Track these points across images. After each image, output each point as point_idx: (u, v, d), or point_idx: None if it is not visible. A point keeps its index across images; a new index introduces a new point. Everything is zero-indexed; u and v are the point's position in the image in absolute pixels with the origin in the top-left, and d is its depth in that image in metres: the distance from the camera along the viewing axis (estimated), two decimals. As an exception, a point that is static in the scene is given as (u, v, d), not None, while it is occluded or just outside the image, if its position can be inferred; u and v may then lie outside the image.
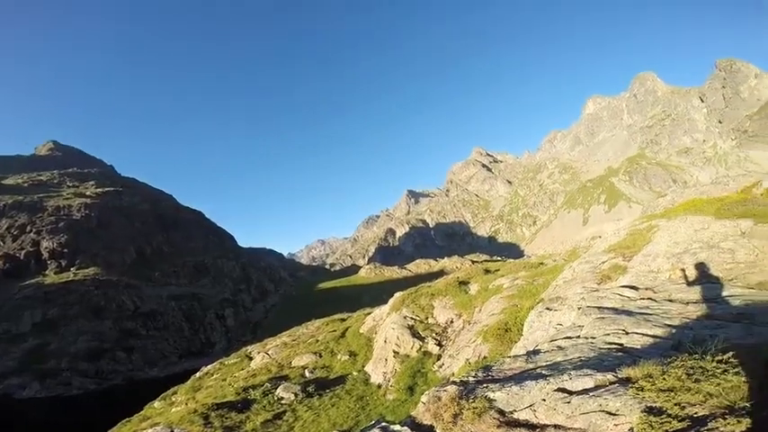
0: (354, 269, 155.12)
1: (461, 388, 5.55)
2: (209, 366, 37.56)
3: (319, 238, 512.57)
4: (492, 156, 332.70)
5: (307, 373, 26.61)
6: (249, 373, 29.88)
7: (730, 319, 7.33)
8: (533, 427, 4.50)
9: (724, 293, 9.07)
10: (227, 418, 19.70)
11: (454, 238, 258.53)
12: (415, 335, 24.81)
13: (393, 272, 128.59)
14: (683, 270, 11.45)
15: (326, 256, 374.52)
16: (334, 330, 35.62)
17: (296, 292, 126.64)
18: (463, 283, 30.57)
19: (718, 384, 4.06)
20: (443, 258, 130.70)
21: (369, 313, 35.84)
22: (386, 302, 33.76)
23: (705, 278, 10.47)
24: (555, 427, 4.39)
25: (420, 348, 23.63)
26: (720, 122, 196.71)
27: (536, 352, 7.28)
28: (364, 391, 22.52)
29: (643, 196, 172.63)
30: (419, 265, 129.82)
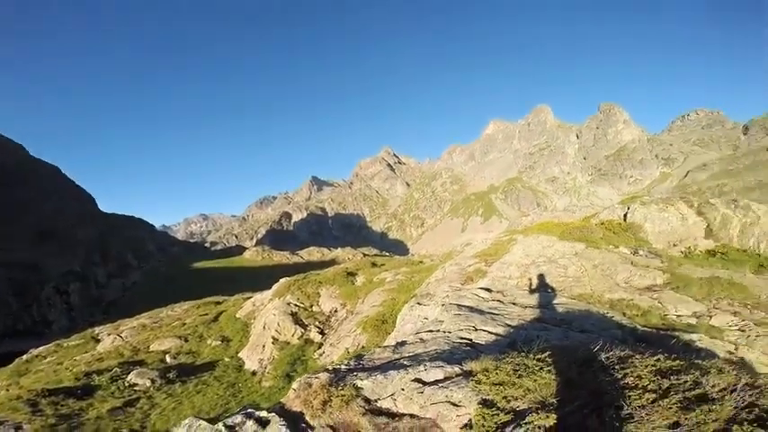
0: (239, 250, 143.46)
1: (332, 375, 5.55)
2: (40, 348, 31.49)
3: (202, 213, 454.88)
4: (398, 157, 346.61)
5: (168, 359, 24.02)
6: (94, 356, 25.81)
7: (554, 324, 8.74)
8: (393, 415, 4.65)
9: (554, 301, 10.79)
10: (62, 406, 16.54)
11: (350, 230, 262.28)
12: (298, 322, 24.28)
13: (283, 257, 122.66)
14: (529, 278, 13.36)
15: (207, 233, 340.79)
16: (206, 314, 32.90)
17: (165, 270, 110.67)
18: (351, 274, 31.02)
19: (535, 381, 4.50)
20: (337, 248, 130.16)
21: (249, 298, 34.00)
22: (270, 288, 32.37)
23: (543, 287, 12.34)
24: (410, 416, 4.59)
25: (302, 336, 23.18)
26: (585, 159, 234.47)
27: (403, 343, 7.62)
28: (237, 377, 21.12)
29: (512, 213, 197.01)
30: (312, 253, 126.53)
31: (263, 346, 23.16)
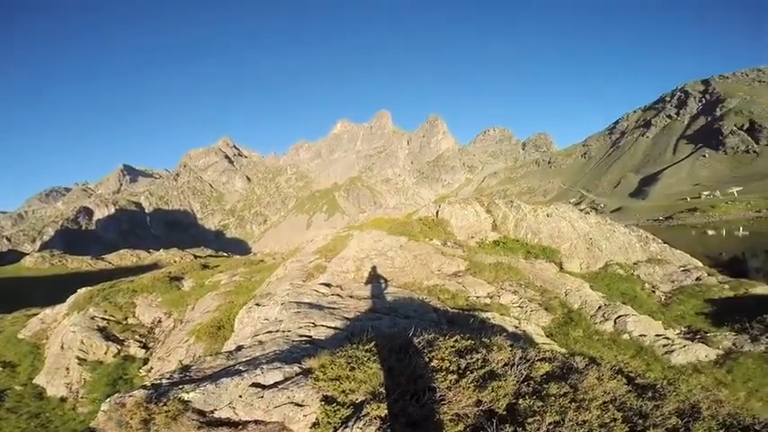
0: (15, 256, 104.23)
1: (152, 392, 4.75)
2: None
3: None
4: (238, 149, 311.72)
5: None
6: None
7: (384, 312, 9.45)
8: (235, 424, 4.28)
9: (385, 291, 11.70)
10: None
11: (176, 228, 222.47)
12: (110, 338, 20.37)
13: (83, 262, 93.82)
14: (364, 272, 14.13)
15: None
16: None
17: None
18: (176, 279, 27.07)
19: (365, 371, 4.61)
20: (159, 250, 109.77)
21: (34, 314, 26.41)
22: (65, 301, 25.83)
23: (376, 278, 13.21)
24: (255, 422, 4.29)
25: (119, 353, 19.58)
26: (412, 163, 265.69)
27: (239, 348, 7.07)
28: (41, 407, 16.84)
29: (353, 210, 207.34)
30: (124, 257, 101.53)
31: (68, 369, 18.48)
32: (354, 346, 5.36)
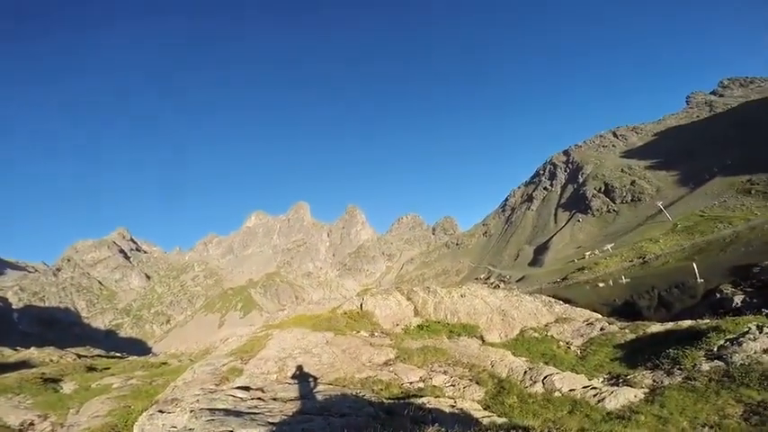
0: None
1: None
2: None
3: None
4: (137, 243, 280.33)
5: None
6: None
7: (315, 413, 8.41)
8: None
9: (314, 390, 10.57)
10: None
11: (54, 327, 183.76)
12: None
13: None
14: (287, 371, 12.80)
15: None
16: None
17: None
18: (52, 381, 22.91)
19: None
20: (30, 348, 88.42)
21: None
22: None
23: (302, 378, 11.99)
24: None
25: None
26: (334, 255, 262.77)
27: None
28: None
29: (272, 307, 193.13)
30: None
31: None
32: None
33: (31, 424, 17.66)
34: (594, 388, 11.62)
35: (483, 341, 19.27)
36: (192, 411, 8.48)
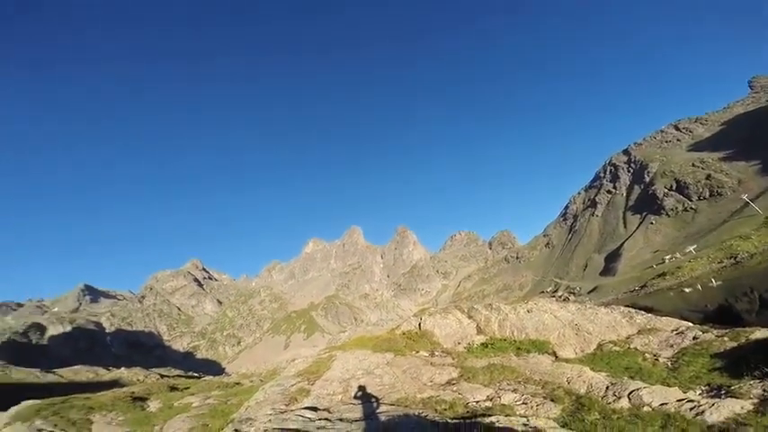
0: None
1: None
2: None
3: None
4: (209, 272, 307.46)
5: None
6: None
7: (378, 433, 8.42)
8: None
9: (377, 410, 10.56)
10: None
11: (140, 349, 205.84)
12: None
13: (30, 374, 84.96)
14: (351, 392, 12.98)
15: None
16: None
17: None
18: (140, 399, 25.34)
19: None
20: (120, 368, 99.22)
21: None
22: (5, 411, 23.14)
23: (365, 398, 12.06)
24: None
25: None
26: (388, 276, 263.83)
27: None
28: None
29: (333, 329, 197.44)
30: (79, 372, 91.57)
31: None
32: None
33: None
34: (691, 401, 10.30)
35: (556, 357, 18.02)
36: (265, 431, 8.92)
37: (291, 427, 9.13)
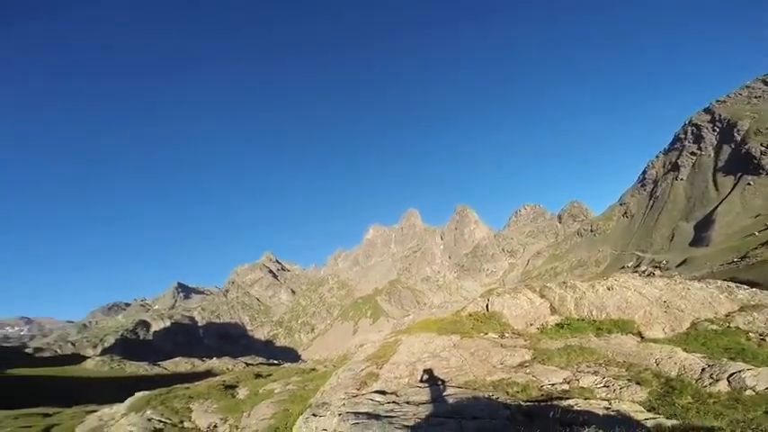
0: (78, 359, 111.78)
1: None
2: None
3: (23, 315, 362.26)
4: (281, 264, 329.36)
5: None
6: None
7: (447, 416, 8.41)
8: None
9: (444, 393, 10.57)
10: None
11: (228, 340, 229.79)
12: None
13: (140, 368, 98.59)
14: (418, 375, 13.11)
15: (30, 338, 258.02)
16: (29, 426, 26.19)
17: None
18: (230, 387, 28.10)
19: None
20: (212, 359, 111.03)
21: (92, 411, 28.19)
22: (123, 402, 27.53)
23: (432, 381, 12.12)
24: None
25: None
26: (450, 258, 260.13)
27: None
28: None
29: (397, 313, 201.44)
30: (179, 364, 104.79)
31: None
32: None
33: (215, 426, 21.92)
34: (804, 385, 8.93)
35: (641, 338, 16.58)
36: (339, 415, 9.46)
37: (363, 410, 9.50)
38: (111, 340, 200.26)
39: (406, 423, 8.05)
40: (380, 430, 7.80)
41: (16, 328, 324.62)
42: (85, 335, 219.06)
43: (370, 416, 8.98)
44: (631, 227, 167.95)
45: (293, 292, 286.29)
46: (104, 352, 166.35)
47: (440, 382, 11.78)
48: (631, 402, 8.73)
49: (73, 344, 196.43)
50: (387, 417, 8.75)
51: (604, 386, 10.20)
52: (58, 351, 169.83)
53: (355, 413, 9.32)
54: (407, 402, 10.00)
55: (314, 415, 11.06)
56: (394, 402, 10.12)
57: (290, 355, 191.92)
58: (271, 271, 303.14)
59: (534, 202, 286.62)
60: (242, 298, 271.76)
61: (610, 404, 8.49)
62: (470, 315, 22.51)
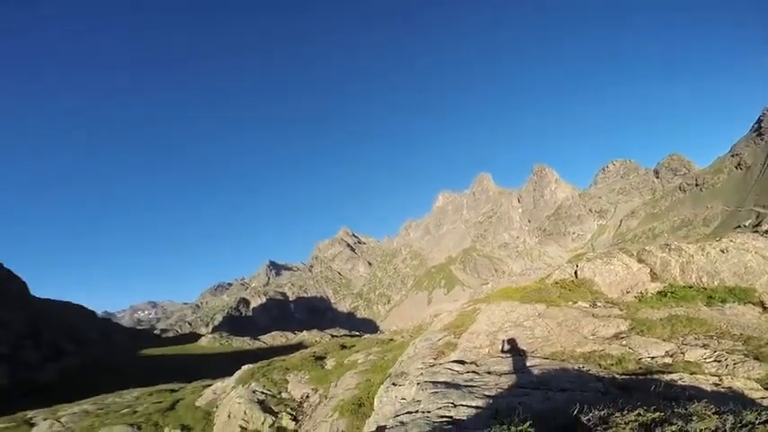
0: (194, 337, 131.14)
1: None
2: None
3: (151, 300, 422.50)
4: (357, 237, 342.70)
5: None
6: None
7: (532, 387, 8.22)
8: None
9: (528, 364, 10.31)
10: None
11: (315, 313, 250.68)
12: (267, 410, 23.18)
13: (244, 342, 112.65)
14: (499, 345, 12.92)
15: (157, 321, 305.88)
16: (161, 401, 30.25)
17: (108, 357, 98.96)
18: (320, 358, 30.32)
19: None
20: (303, 332, 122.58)
21: (208, 385, 32.07)
22: (232, 375, 31.02)
23: (514, 351, 11.87)
24: None
25: (273, 424, 22.11)
26: (529, 221, 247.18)
27: (383, 429, 7.22)
28: None
29: (473, 282, 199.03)
30: (275, 338, 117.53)
31: (231, 436, 21.41)
32: (504, 426, 4.72)
33: (307, 396, 24.46)
34: None
35: (764, 308, 14.38)
36: (418, 384, 9.76)
37: (441, 380, 9.67)
38: (219, 318, 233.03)
39: (487, 393, 8.03)
40: (459, 398, 7.90)
41: (146, 312, 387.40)
42: (199, 315, 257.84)
43: (448, 385, 9.11)
44: (747, 180, 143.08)
45: (370, 264, 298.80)
46: (215, 329, 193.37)
47: (523, 353, 11.51)
48: (746, 379, 7.70)
49: (190, 324, 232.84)
50: (466, 386, 8.81)
51: (715, 361, 9.09)
52: (179, 331, 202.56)
53: (433, 382, 9.52)
54: (488, 372, 9.95)
55: (393, 384, 11.60)
56: (474, 372, 10.15)
57: (370, 326, 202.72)
58: (348, 245, 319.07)
59: (624, 157, 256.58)
60: (325, 272, 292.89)
61: (720, 380, 7.57)
62: (556, 283, 21.41)
